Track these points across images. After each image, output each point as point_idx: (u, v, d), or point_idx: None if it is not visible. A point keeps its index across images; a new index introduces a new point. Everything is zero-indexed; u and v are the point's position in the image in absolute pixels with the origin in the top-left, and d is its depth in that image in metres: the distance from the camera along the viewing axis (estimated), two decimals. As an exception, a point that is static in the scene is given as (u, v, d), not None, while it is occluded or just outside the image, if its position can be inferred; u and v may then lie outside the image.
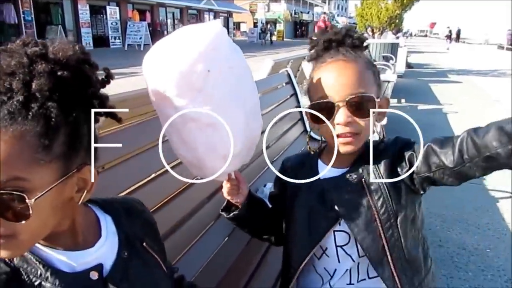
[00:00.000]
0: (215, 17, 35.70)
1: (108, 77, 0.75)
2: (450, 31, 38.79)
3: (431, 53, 27.39)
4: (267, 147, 2.46)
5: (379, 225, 1.02)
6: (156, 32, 25.17)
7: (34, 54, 0.65)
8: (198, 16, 32.96)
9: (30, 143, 0.61)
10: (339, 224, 1.06)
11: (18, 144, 0.61)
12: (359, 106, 0.99)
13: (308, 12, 58.91)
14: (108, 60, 14.52)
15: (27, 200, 0.61)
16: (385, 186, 1.03)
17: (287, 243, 1.19)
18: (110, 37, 23.38)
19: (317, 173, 1.12)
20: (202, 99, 0.86)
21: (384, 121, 3.93)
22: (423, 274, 1.09)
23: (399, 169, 1.02)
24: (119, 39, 23.69)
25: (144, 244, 0.87)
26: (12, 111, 0.61)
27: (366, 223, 1.03)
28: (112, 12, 23.46)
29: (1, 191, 0.60)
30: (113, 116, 0.76)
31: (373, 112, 1.01)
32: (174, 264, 1.32)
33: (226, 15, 37.67)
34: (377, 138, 1.12)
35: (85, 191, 0.71)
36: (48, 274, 0.69)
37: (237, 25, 49.64)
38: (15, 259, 0.68)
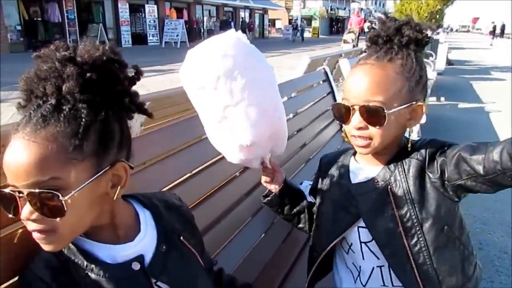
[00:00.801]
0: (250, 15, 35.81)
1: (138, 74, 0.78)
2: (494, 26, 37.15)
3: (473, 50, 26.35)
4: (303, 145, 2.48)
5: (402, 233, 1.02)
6: (193, 30, 25.55)
7: (63, 58, 0.69)
8: (233, 14, 33.15)
9: (63, 144, 0.66)
10: (362, 220, 1.08)
11: (52, 145, 0.66)
12: (371, 114, 1.00)
13: (344, 8, 57.94)
14: (146, 57, 14.90)
15: (60, 198, 0.66)
16: (410, 194, 1.02)
17: (314, 233, 1.27)
18: (148, 35, 23.94)
19: (347, 170, 1.16)
20: (218, 96, 1.00)
21: (423, 120, 3.84)
22: (459, 282, 1.05)
23: (430, 174, 1.01)
24: (156, 36, 24.21)
25: (182, 238, 0.90)
26: (45, 115, 0.66)
27: (388, 230, 1.03)
28: (151, 10, 23.99)
29: (39, 191, 0.65)
30: (143, 111, 0.79)
31: (380, 125, 1.00)
32: (213, 257, 1.37)
33: (261, 12, 37.67)
34: (415, 137, 1.11)
35: (119, 187, 0.75)
36: (93, 265, 0.74)
37: (273, 22, 49.52)
38: (64, 251, 0.74)
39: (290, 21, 42.25)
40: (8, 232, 0.81)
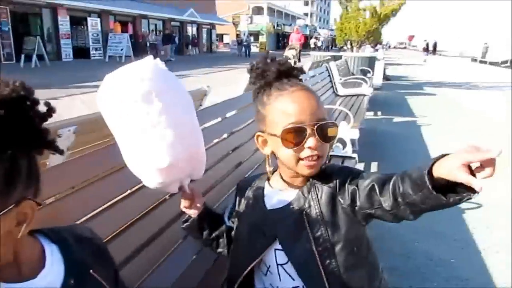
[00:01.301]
0: (198, 29, 35.83)
1: (50, 111, 0.76)
2: (427, 44, 39.97)
3: (409, 65, 28.05)
4: (239, 164, 2.53)
5: (316, 254, 1.08)
6: (139, 44, 25.12)
7: None
8: (181, 28, 33.02)
9: None
10: (279, 243, 1.14)
11: None
12: (325, 131, 1.08)
13: (290, 25, 59.57)
14: (89, 71, 14.38)
15: None
16: (323, 218, 1.09)
17: (232, 255, 1.30)
18: (91, 49, 23.21)
19: (262, 194, 1.22)
20: (135, 119, 1.02)
21: (356, 135, 4.06)
22: None
23: (341, 200, 1.09)
24: (100, 50, 23.54)
25: (91, 271, 0.88)
26: None
27: (305, 252, 1.09)
28: (94, 23, 23.33)
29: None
30: (54, 148, 0.76)
31: (333, 140, 1.12)
32: (140, 284, 1.36)
33: (209, 27, 37.85)
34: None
35: (25, 225, 0.72)
36: None
37: (220, 37, 49.91)
38: None
39: (238, 36, 42.80)
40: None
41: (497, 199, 3.91)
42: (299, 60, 14.07)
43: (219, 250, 1.37)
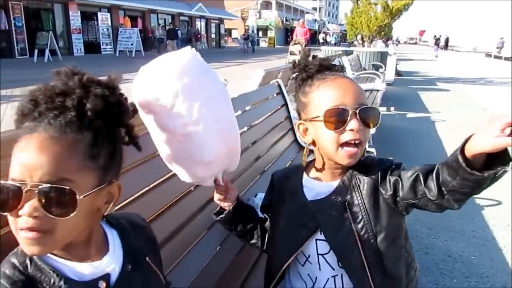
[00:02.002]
0: (206, 24, 35.82)
1: (134, 111, 0.86)
2: (437, 39, 39.40)
3: (420, 61, 27.78)
4: (258, 157, 2.53)
5: (359, 245, 1.09)
6: (148, 39, 25.19)
7: (89, 80, 0.75)
8: (189, 23, 33.03)
9: (82, 150, 0.72)
10: (320, 233, 1.14)
11: (72, 149, 0.71)
12: (368, 116, 1.09)
13: (298, 19, 59.31)
14: (100, 67, 14.49)
15: (77, 196, 0.70)
16: (366, 210, 1.10)
17: (270, 249, 1.30)
18: (101, 44, 23.35)
19: (301, 185, 1.21)
20: (176, 114, 0.98)
21: (373, 130, 4.05)
22: (403, 285, 1.17)
23: (382, 191, 1.10)
24: (110, 45, 23.66)
25: (147, 258, 0.92)
26: (68, 121, 0.71)
27: (347, 242, 1.10)
28: (104, 19, 23.46)
29: (55, 186, 0.68)
30: (135, 144, 0.84)
31: (376, 123, 1.11)
32: (167, 274, 1.37)
33: (217, 21, 37.82)
34: (366, 148, 1.21)
35: (111, 204, 0.81)
36: (62, 283, 0.74)
37: (229, 32, 49.84)
38: (29, 268, 0.74)
39: (246, 31, 42.71)
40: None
41: (516, 197, 3.86)
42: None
43: (253, 241, 1.37)
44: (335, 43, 41.57)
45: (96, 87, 0.75)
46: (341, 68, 1.23)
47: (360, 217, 1.10)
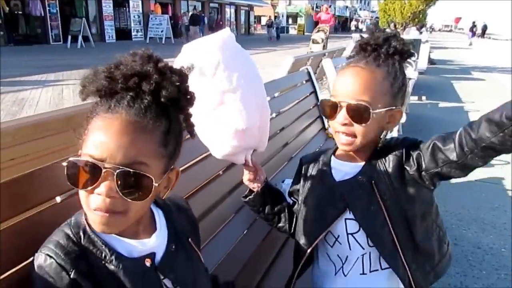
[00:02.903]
0: (236, 11, 35.70)
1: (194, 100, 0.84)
2: (474, 25, 37.74)
3: (455, 49, 26.83)
4: (285, 144, 2.54)
5: (389, 222, 1.10)
6: (177, 26, 25.36)
7: (165, 67, 0.76)
8: (219, 10, 33.01)
9: (158, 137, 0.74)
10: (349, 213, 1.15)
11: (150, 135, 0.73)
12: (357, 113, 1.09)
13: (330, 6, 58.24)
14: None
15: (153, 183, 0.73)
16: (393, 187, 1.11)
17: (298, 231, 1.29)
18: (132, 30, 23.71)
19: (329, 167, 1.23)
20: (217, 81, 1.05)
21: (403, 119, 3.96)
22: (436, 260, 1.19)
23: (407, 168, 1.10)
24: (141, 32, 23.99)
25: (189, 240, 0.95)
26: (146, 106, 0.73)
27: (376, 220, 1.11)
28: (135, 5, 23.77)
29: (134, 171, 0.71)
30: (191, 132, 0.87)
31: (365, 123, 1.08)
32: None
33: (247, 8, 37.64)
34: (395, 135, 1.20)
35: (169, 189, 0.84)
36: (113, 257, 0.78)
37: (258, 19, 49.48)
38: (82, 240, 0.77)
39: (269, 18, 42.31)
40: (8, 225, 0.84)
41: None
42: (326, 46, 12.20)
43: (280, 225, 1.39)
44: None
45: (171, 75, 0.75)
46: (398, 49, 1.11)
47: (388, 194, 1.11)
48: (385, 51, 1.11)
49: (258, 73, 1.18)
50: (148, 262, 0.82)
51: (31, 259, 0.78)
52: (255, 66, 1.17)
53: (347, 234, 1.17)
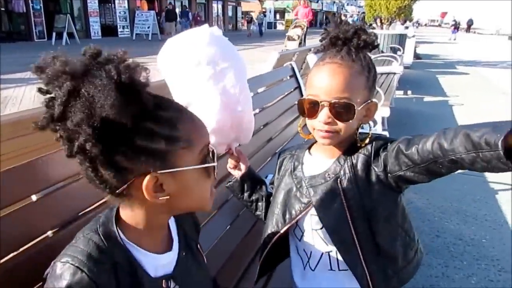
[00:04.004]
0: (223, 7, 35.51)
1: None
2: (455, 21, 38.25)
3: (441, 44, 27.11)
4: (270, 139, 2.55)
5: (350, 220, 1.10)
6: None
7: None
8: (206, 5, 32.80)
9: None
10: (315, 209, 1.16)
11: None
12: (340, 111, 1.08)
13: (317, 2, 58.28)
14: (115, 50, 14.41)
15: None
16: (358, 186, 1.10)
17: (267, 220, 1.31)
18: (118, 26, 23.44)
19: (301, 162, 1.25)
20: (193, 83, 1.11)
21: (387, 113, 4.01)
22: (400, 265, 1.16)
23: (375, 168, 1.10)
24: (127, 28, 23.74)
25: (198, 246, 0.96)
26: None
27: (338, 219, 1.11)
28: (121, 1, 23.47)
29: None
30: None
31: (350, 120, 1.09)
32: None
33: (234, 4, 37.47)
34: (379, 131, 1.21)
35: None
36: (140, 275, 0.76)
37: (246, 14, 49.34)
38: (114, 253, 0.73)
39: (263, 13, 42.16)
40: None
41: (531, 181, 3.82)
42: (304, 43, 11.42)
43: (258, 213, 1.42)
44: (355, 25, 40.66)
45: None
46: (366, 42, 1.12)
47: (352, 193, 1.10)
48: (356, 45, 1.11)
49: (240, 67, 1.18)
50: (164, 284, 0.81)
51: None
52: (237, 61, 1.18)
53: (312, 229, 1.18)
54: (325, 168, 1.16)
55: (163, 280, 0.80)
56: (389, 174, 1.07)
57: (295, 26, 11.56)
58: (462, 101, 8.01)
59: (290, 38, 11.37)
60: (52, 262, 0.71)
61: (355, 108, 1.07)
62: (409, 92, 8.67)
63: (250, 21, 31.39)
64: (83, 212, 1.03)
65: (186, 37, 1.14)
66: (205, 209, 0.83)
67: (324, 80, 1.09)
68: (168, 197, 0.74)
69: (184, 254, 0.87)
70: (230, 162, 1.36)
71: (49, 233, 0.97)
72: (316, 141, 1.25)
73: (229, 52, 1.16)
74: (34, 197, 0.96)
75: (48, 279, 0.69)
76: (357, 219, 1.10)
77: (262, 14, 33.44)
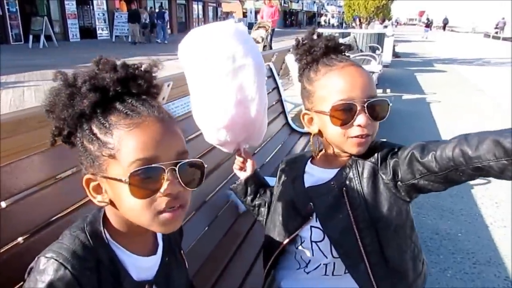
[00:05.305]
0: (203, 7, 35.39)
1: None
2: (428, 20, 39.63)
3: (419, 42, 27.58)
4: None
5: (356, 232, 1.04)
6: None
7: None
8: (186, 6, 32.63)
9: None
10: (316, 221, 1.11)
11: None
12: (376, 109, 1.03)
13: (297, 1, 58.59)
14: (95, 52, 14.21)
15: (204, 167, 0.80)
16: (364, 195, 1.04)
17: (268, 231, 1.27)
18: (97, 28, 23.12)
19: (303, 172, 1.20)
20: (208, 79, 1.10)
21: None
22: (410, 279, 1.10)
23: (382, 176, 1.04)
24: (106, 30, 23.43)
25: (182, 251, 0.96)
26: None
27: (343, 229, 1.05)
28: (99, 3, 23.16)
29: (192, 160, 0.76)
30: None
31: (385, 115, 1.06)
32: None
33: (214, 4, 37.38)
34: None
35: None
36: (123, 277, 0.77)
37: (226, 15, 49.24)
38: (98, 252, 0.74)
39: (244, 14, 42.17)
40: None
41: (505, 175, 3.92)
42: (270, 45, 10.68)
43: (259, 218, 1.38)
44: (338, 25, 41.14)
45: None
46: (349, 47, 1.17)
47: (358, 202, 1.04)
48: (343, 51, 1.15)
49: (260, 67, 1.13)
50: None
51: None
52: (258, 60, 1.14)
53: (311, 241, 1.12)
54: (329, 178, 1.11)
55: (146, 285, 0.80)
56: (399, 183, 1.02)
57: (259, 27, 10.65)
58: (439, 98, 8.17)
59: (255, 41, 10.62)
60: (37, 257, 0.71)
61: (389, 103, 1.06)
62: (388, 90, 8.81)
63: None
64: (54, 218, 1.02)
65: (210, 29, 1.12)
66: (153, 230, 0.77)
67: (354, 82, 1.04)
68: (107, 202, 0.76)
69: (167, 259, 0.87)
70: (237, 163, 1.33)
71: (20, 239, 0.97)
72: (321, 150, 1.20)
73: (250, 49, 1.11)
74: (3, 204, 0.96)
75: (31, 273, 0.70)
76: (364, 230, 1.03)
77: (232, 15, 33.02)
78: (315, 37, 1.16)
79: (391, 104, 1.07)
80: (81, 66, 0.80)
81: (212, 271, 1.60)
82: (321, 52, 1.11)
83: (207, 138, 1.20)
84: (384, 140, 1.13)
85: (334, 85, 1.05)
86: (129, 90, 0.75)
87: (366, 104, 1.01)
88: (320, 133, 1.13)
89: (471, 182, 3.90)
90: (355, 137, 1.04)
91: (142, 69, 0.78)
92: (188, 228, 1.66)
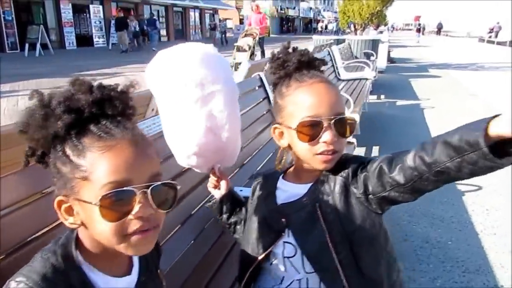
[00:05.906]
0: (200, 15, 35.52)
1: None
2: (420, 25, 40.60)
3: (415, 47, 27.72)
4: (241, 148, 2.57)
5: (331, 246, 1.05)
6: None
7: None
8: (183, 14, 32.74)
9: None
10: (288, 236, 1.12)
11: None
12: (343, 126, 1.06)
13: (294, 8, 58.89)
14: (92, 60, 14.36)
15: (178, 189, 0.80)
16: (337, 210, 1.06)
17: (244, 247, 1.27)
18: (94, 36, 23.18)
19: (275, 189, 1.21)
20: (176, 104, 1.09)
21: (357, 118, 4.07)
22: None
23: (354, 190, 1.06)
24: (103, 38, 23.49)
25: (159, 271, 0.96)
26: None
27: (319, 245, 1.06)
28: (96, 11, 23.25)
29: (168, 182, 0.77)
30: None
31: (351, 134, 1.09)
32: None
33: (211, 12, 37.51)
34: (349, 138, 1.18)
35: None
36: None
37: (216, 24, 49.38)
38: (70, 276, 0.74)
39: (241, 21, 42.32)
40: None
41: (496, 183, 3.95)
42: (263, 53, 10.84)
43: (236, 236, 1.39)
44: (335, 32, 41.41)
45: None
46: (322, 63, 1.19)
47: (332, 217, 1.06)
48: (317, 66, 1.17)
49: (231, 90, 1.13)
50: None
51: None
52: (229, 84, 1.13)
53: (284, 257, 1.13)
54: (301, 194, 1.13)
55: None
56: (370, 196, 1.04)
57: (246, 35, 10.42)
58: (433, 104, 8.21)
59: (240, 49, 10.18)
60: (7, 281, 0.71)
61: (355, 120, 1.08)
62: (382, 96, 8.86)
63: (214, 28, 28.95)
64: (28, 239, 1.02)
65: (178, 52, 1.09)
66: (125, 252, 0.77)
67: (321, 99, 1.06)
68: (79, 224, 0.77)
69: (144, 279, 0.87)
70: (211, 181, 1.32)
71: (-7, 261, 0.97)
72: (290, 167, 1.23)
73: (221, 74, 1.11)
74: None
75: None
76: (339, 244, 1.05)
77: (224, 22, 32.46)
78: (290, 51, 1.18)
79: (358, 121, 1.09)
80: (77, 74, 0.81)
81: (199, 283, 1.60)
82: (293, 67, 1.14)
83: (179, 162, 1.19)
84: (355, 155, 1.16)
85: (302, 101, 1.08)
86: (104, 111, 0.76)
87: (332, 121, 1.04)
88: (289, 147, 1.16)
89: (462, 189, 3.93)
90: (321, 153, 1.06)
91: (118, 90, 0.79)
92: (173, 242, 1.67)
